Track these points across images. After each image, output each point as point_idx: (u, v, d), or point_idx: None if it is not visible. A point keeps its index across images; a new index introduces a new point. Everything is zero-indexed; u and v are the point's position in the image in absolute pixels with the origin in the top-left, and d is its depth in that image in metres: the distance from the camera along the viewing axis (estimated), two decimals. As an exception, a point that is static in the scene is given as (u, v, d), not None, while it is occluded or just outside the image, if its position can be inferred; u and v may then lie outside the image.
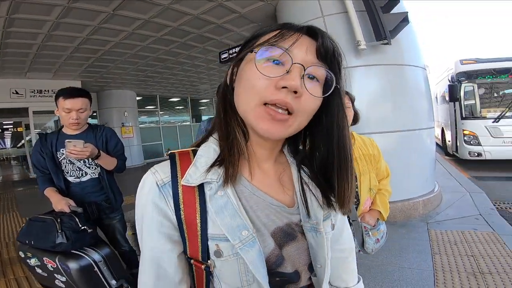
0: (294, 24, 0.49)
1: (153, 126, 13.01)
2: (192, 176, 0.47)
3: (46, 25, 4.35)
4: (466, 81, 6.37)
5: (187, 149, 0.55)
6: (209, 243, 0.47)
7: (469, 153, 6.24)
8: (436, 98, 8.75)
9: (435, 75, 9.19)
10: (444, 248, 2.63)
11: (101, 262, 1.51)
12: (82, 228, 1.55)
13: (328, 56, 0.47)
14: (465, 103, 6.39)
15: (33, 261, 1.51)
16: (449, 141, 7.48)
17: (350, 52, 3.37)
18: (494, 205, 3.78)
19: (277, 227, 0.51)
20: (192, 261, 0.49)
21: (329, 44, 0.48)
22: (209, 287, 0.50)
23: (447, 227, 3.12)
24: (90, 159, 1.81)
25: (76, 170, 1.85)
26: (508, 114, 5.91)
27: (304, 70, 0.45)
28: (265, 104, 0.45)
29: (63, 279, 1.44)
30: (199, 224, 0.46)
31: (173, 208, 0.47)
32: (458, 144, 6.64)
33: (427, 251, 2.61)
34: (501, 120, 5.91)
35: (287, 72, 0.44)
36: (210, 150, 0.51)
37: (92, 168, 1.88)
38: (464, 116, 6.39)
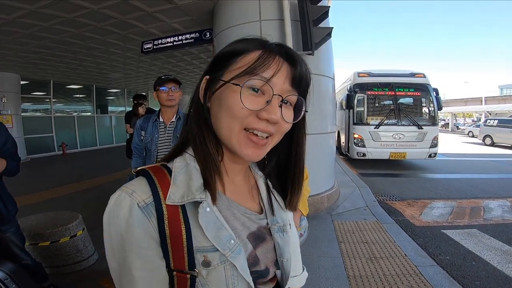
0: (274, 46, 0.51)
1: (42, 115, 11.00)
2: (175, 194, 0.48)
3: None
4: (360, 92, 7.76)
5: (155, 165, 0.54)
6: (196, 255, 0.48)
7: (357, 153, 7.66)
8: (336, 104, 10.33)
9: (337, 83, 10.80)
10: (345, 237, 3.19)
11: (7, 280, 1.37)
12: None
13: (302, 83, 0.52)
14: (357, 111, 7.79)
15: None
16: (343, 142, 8.99)
17: None
18: (376, 197, 4.80)
19: (250, 232, 0.56)
20: (174, 273, 0.48)
21: (305, 72, 0.52)
22: None
23: (345, 218, 3.81)
24: None
25: None
26: (385, 121, 7.52)
27: (282, 100, 0.50)
28: (245, 129, 0.49)
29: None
30: (185, 239, 0.47)
31: (157, 227, 0.46)
32: (349, 145, 8.06)
33: (334, 240, 3.13)
34: (381, 126, 7.49)
35: (267, 102, 0.48)
36: (189, 168, 0.51)
37: None
38: (355, 122, 7.80)
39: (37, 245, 2.34)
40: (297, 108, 0.53)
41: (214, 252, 0.49)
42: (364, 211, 4.13)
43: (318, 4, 3.31)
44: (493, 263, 2.79)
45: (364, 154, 7.60)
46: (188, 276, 0.48)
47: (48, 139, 10.93)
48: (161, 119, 2.12)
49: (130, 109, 4.73)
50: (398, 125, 7.53)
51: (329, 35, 3.43)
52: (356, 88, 7.84)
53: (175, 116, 2.11)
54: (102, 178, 6.60)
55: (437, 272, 2.49)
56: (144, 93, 4.87)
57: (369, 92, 7.76)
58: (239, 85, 0.47)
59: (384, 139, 7.50)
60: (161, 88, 2.02)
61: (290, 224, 0.65)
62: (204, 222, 0.48)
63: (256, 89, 0.48)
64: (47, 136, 10.90)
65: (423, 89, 7.81)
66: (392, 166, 7.94)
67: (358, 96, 7.77)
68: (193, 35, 5.19)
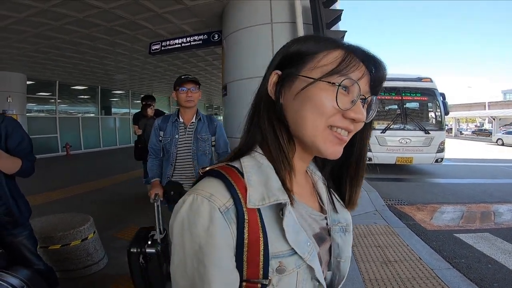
0: (359, 49, 0.49)
1: (47, 116, 11.02)
2: (254, 196, 0.45)
3: None
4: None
5: (222, 165, 0.50)
6: (271, 261, 0.45)
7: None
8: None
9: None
10: (357, 241, 3.15)
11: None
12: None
13: (379, 85, 0.52)
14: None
15: None
16: (349, 147, 8.94)
17: None
18: (384, 202, 4.76)
19: (315, 233, 0.54)
20: (244, 283, 0.45)
21: (384, 75, 0.51)
22: None
23: (355, 222, 3.75)
24: None
25: None
26: (392, 126, 7.48)
27: (364, 101, 0.50)
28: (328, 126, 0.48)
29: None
30: (262, 246, 0.44)
31: (236, 234, 0.43)
32: (356, 149, 8.03)
33: (347, 244, 3.13)
34: (387, 131, 7.44)
35: (352, 102, 0.47)
36: (263, 167, 0.49)
37: None
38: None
39: (47, 248, 2.29)
40: (370, 108, 0.53)
41: (290, 256, 0.47)
42: (373, 215, 4.10)
43: (331, 8, 3.30)
44: (509, 265, 2.79)
45: (370, 159, 7.54)
46: (259, 285, 0.45)
47: (52, 140, 10.94)
48: (181, 120, 2.08)
49: (136, 110, 4.71)
50: (405, 130, 7.47)
51: (342, 38, 3.38)
52: None
53: (194, 116, 2.08)
54: (107, 180, 6.56)
55: (454, 275, 2.48)
56: (152, 95, 4.85)
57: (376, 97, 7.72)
58: (334, 83, 0.46)
59: (390, 144, 7.45)
60: (180, 89, 1.99)
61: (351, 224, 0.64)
62: (288, 225, 0.46)
63: (344, 89, 0.47)
64: (51, 136, 10.92)
65: (430, 93, 7.76)
66: (398, 171, 7.88)
67: None
68: (201, 36, 5.20)
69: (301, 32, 3.44)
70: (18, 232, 1.63)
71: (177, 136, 2.04)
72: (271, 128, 0.51)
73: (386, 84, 0.53)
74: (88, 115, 12.89)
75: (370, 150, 7.56)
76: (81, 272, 2.42)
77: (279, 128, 0.50)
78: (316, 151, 0.49)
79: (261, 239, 0.44)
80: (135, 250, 1.86)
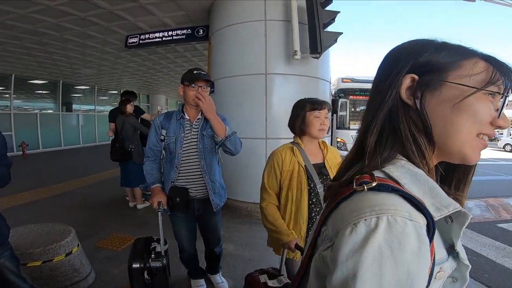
0: (492, 58, 0.48)
1: (0, 112, 9.93)
2: (431, 208, 0.43)
3: None
4: (343, 97, 7.93)
5: (369, 175, 0.46)
6: (435, 268, 0.43)
7: (341, 156, 7.85)
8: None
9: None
10: None
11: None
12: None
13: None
14: (340, 115, 7.95)
15: None
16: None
17: (280, 60, 3.67)
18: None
19: None
20: None
21: None
22: None
23: None
24: None
25: None
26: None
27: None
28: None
29: None
30: (433, 255, 0.42)
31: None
32: (333, 149, 8.25)
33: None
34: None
35: (497, 111, 0.48)
36: (418, 175, 0.47)
37: None
38: (338, 126, 7.94)
39: (26, 266, 1.97)
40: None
41: (446, 261, 0.47)
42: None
43: (327, 8, 3.29)
44: (492, 258, 2.99)
45: (348, 159, 7.78)
46: None
47: (6, 138, 9.81)
48: (186, 116, 1.90)
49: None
50: None
51: (336, 39, 3.42)
52: (340, 93, 8.01)
53: (200, 112, 1.90)
54: (74, 182, 5.94)
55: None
56: (134, 91, 4.51)
57: (351, 97, 7.98)
58: (498, 93, 0.47)
59: None
60: (190, 86, 1.80)
61: None
62: (455, 232, 0.46)
63: (491, 96, 0.48)
64: (5, 134, 9.73)
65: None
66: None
67: (341, 101, 7.94)
68: (184, 31, 4.95)
69: (295, 31, 3.39)
70: None
71: (182, 134, 1.85)
72: (412, 133, 0.49)
73: (362, 85, 0.50)
74: (47, 111, 11.81)
75: (347, 150, 7.81)
76: (68, 290, 2.13)
77: (419, 133, 0.49)
78: (459, 157, 0.49)
79: (434, 249, 0.43)
80: (138, 266, 1.67)
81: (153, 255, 1.73)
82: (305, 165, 1.59)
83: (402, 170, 0.47)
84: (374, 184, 0.43)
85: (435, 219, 0.41)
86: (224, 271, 2.41)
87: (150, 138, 1.92)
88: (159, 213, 1.79)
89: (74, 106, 13.03)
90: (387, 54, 0.55)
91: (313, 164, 1.62)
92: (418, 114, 0.49)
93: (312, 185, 1.58)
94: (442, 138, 0.48)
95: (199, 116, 1.90)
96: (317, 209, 1.59)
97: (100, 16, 4.69)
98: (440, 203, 0.44)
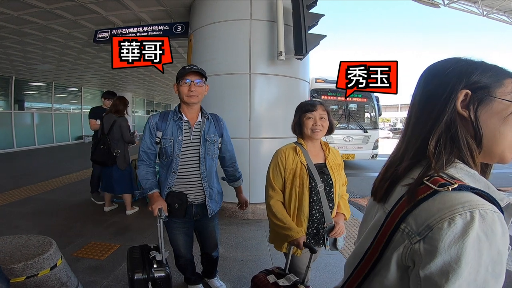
0: None
1: None
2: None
3: None
4: (316, 97, 8.17)
5: (440, 177, 0.54)
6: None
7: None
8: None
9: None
10: None
11: None
12: None
13: None
14: (312, 115, 8.22)
15: None
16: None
17: (263, 59, 3.68)
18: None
19: None
20: None
21: None
22: None
23: None
24: None
25: None
26: (337, 125, 8.08)
27: None
28: None
29: None
30: None
31: None
32: (306, 147, 8.50)
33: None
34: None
35: None
36: (476, 176, 0.55)
37: None
38: (311, 125, 8.21)
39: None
40: None
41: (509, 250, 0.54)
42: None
43: (311, 11, 3.37)
44: None
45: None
46: None
47: None
48: (185, 118, 1.79)
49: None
50: (348, 129, 8.22)
51: (319, 42, 3.51)
52: (314, 93, 8.28)
53: (200, 114, 1.83)
54: (34, 186, 5.38)
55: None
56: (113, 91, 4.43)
57: (324, 97, 8.28)
58: None
59: (336, 142, 8.09)
60: (182, 81, 1.71)
61: None
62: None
63: None
64: None
65: (367, 96, 8.68)
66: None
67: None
68: (161, 27, 4.76)
69: (281, 32, 3.42)
70: None
71: (181, 137, 1.76)
72: (468, 140, 0.57)
73: (333, 86, 0.57)
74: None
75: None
76: (56, 306, 1.95)
77: (472, 140, 0.57)
78: (500, 159, 0.59)
79: None
80: (141, 276, 1.58)
81: (155, 265, 1.65)
82: (307, 165, 1.64)
83: (462, 172, 0.55)
84: (456, 185, 0.50)
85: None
86: (219, 274, 2.38)
87: (145, 140, 1.81)
88: (160, 220, 1.70)
89: (28, 104, 11.92)
90: (430, 72, 0.65)
91: (314, 164, 1.67)
92: (471, 123, 0.57)
93: (313, 184, 1.62)
94: (489, 144, 0.57)
95: (200, 119, 1.83)
96: (317, 207, 1.64)
97: (68, 9, 4.35)
98: (497, 197, 0.51)
